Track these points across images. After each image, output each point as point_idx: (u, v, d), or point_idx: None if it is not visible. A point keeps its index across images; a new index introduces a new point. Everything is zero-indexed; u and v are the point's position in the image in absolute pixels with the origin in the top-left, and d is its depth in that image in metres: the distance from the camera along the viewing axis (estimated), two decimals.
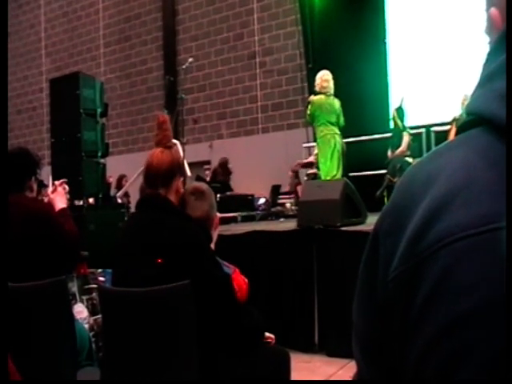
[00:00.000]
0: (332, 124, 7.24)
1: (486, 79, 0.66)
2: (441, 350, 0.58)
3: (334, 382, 3.56)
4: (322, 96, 7.22)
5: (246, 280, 2.84)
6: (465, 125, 0.67)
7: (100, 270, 4.29)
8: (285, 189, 8.50)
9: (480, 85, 0.67)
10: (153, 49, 13.90)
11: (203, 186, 2.88)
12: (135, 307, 2.31)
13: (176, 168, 2.50)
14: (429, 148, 7.93)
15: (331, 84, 7.28)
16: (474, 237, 0.57)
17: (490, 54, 0.68)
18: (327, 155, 7.19)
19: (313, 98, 7.26)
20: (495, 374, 0.55)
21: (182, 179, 2.59)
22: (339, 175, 7.04)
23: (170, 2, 13.49)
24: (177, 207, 2.50)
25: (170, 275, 2.21)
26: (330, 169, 7.13)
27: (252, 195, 7.51)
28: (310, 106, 7.26)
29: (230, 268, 2.77)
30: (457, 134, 0.68)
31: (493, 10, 0.72)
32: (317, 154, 7.36)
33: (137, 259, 2.36)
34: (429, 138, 8.34)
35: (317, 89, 7.29)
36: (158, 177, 2.46)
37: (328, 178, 6.89)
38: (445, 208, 0.60)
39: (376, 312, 0.67)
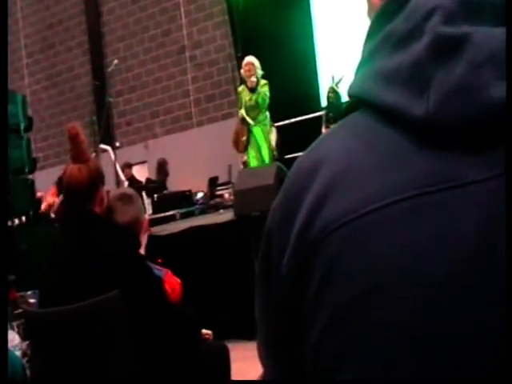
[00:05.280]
0: None
1: (365, 60, 0.66)
2: (328, 345, 0.58)
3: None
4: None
5: (179, 281, 2.90)
6: (347, 108, 0.67)
7: (30, 292, 4.18)
8: (222, 180, 8.51)
9: (359, 66, 0.67)
10: (79, 54, 13.64)
11: (129, 190, 2.93)
12: (63, 327, 2.26)
13: (96, 181, 2.46)
14: None
15: None
16: (355, 221, 0.58)
17: (368, 35, 0.68)
18: (267, 141, 7.28)
19: (263, 81, 7.26)
20: (377, 372, 0.55)
21: (104, 187, 2.56)
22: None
23: (94, 4, 13.26)
24: (101, 217, 2.47)
25: (101, 287, 2.19)
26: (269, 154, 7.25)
27: (189, 191, 7.48)
28: (266, 91, 7.21)
29: (161, 271, 2.81)
30: (342, 117, 0.68)
31: None
32: (256, 142, 7.37)
33: (64, 276, 2.33)
34: None
35: (259, 73, 7.27)
36: (79, 195, 2.41)
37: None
38: (329, 195, 0.60)
39: (275, 310, 0.66)
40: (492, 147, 0.56)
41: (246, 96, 7.34)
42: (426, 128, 0.57)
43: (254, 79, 7.23)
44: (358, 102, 0.65)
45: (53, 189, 8.56)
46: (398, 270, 0.55)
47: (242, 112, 7.36)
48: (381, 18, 0.66)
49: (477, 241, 0.54)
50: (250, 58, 7.40)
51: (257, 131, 7.28)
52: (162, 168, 9.29)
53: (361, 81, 0.65)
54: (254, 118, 7.28)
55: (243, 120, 7.35)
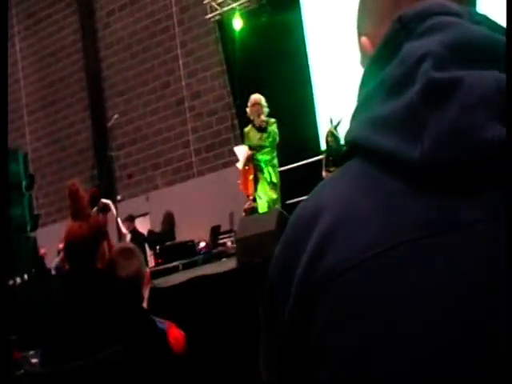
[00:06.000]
0: None
1: (360, 107, 0.68)
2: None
3: None
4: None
5: (183, 333, 2.89)
6: (344, 155, 0.69)
7: (32, 352, 4.09)
8: (224, 228, 8.48)
9: (355, 113, 0.68)
10: (79, 110, 13.83)
11: (129, 244, 2.97)
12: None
13: (97, 237, 2.48)
14: None
15: None
16: (355, 267, 0.59)
17: (362, 82, 0.70)
18: (277, 182, 7.05)
19: (272, 119, 7.03)
20: None
21: (105, 242, 2.58)
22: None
23: (93, 60, 13.50)
24: (102, 273, 2.48)
25: (104, 343, 2.18)
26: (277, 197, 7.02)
27: (192, 241, 7.45)
28: (275, 129, 6.98)
29: (164, 324, 2.80)
30: (340, 163, 0.70)
31: (363, 38, 0.77)
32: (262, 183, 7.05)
33: (67, 332, 2.34)
34: None
35: (266, 111, 7.04)
36: (80, 252, 2.43)
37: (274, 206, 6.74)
38: (329, 243, 0.61)
39: (283, 358, 0.66)
40: (486, 188, 0.57)
41: (254, 136, 7.05)
42: (422, 170, 0.58)
43: (263, 118, 6.99)
44: (355, 148, 0.66)
45: None
46: (402, 313, 0.56)
47: (247, 150, 7.01)
48: (374, 65, 0.68)
49: (476, 280, 0.55)
50: (257, 96, 7.14)
51: (267, 172, 7.02)
52: (169, 219, 9.18)
53: (356, 127, 0.66)
54: (264, 158, 7.03)
55: (250, 160, 7.02)
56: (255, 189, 7.04)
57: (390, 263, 0.58)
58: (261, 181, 7.02)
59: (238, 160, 7.22)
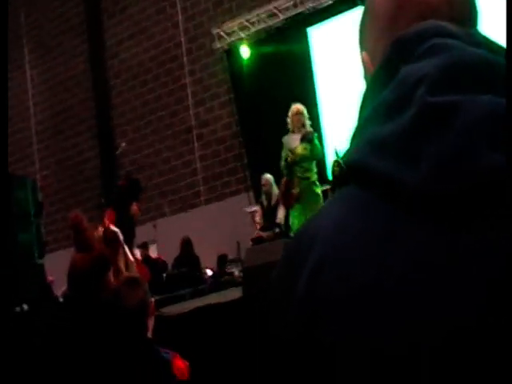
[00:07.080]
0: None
1: (359, 129, 0.67)
2: None
3: None
4: None
5: (187, 363, 2.89)
6: (342, 177, 0.71)
7: None
8: (231, 257, 8.45)
9: (354, 134, 0.68)
10: (88, 138, 13.89)
11: (135, 274, 2.94)
12: None
13: (100, 269, 2.47)
14: None
15: None
16: (350, 299, 0.59)
17: (361, 104, 0.69)
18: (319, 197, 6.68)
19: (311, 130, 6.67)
20: None
21: (110, 273, 2.57)
22: None
23: (102, 89, 13.60)
24: (106, 303, 2.48)
25: (110, 373, 2.20)
26: None
27: (199, 269, 7.41)
28: (316, 142, 6.64)
29: (168, 354, 2.79)
30: (340, 186, 0.72)
31: (364, 54, 0.76)
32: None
33: (70, 363, 2.32)
34: None
35: (308, 123, 6.69)
36: (83, 285, 2.42)
37: None
38: (320, 274, 0.61)
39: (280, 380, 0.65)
40: (484, 217, 0.56)
41: (293, 144, 6.60)
42: (419, 198, 0.58)
43: (309, 129, 6.67)
44: (353, 171, 0.66)
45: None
46: (394, 342, 0.56)
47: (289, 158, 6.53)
48: (372, 87, 0.68)
49: (478, 319, 0.55)
50: (299, 107, 6.79)
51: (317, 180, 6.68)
52: (186, 244, 9.00)
53: (355, 149, 0.65)
54: (306, 169, 6.63)
55: (291, 172, 6.57)
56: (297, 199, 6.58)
57: (381, 299, 0.58)
58: (309, 193, 6.57)
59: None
